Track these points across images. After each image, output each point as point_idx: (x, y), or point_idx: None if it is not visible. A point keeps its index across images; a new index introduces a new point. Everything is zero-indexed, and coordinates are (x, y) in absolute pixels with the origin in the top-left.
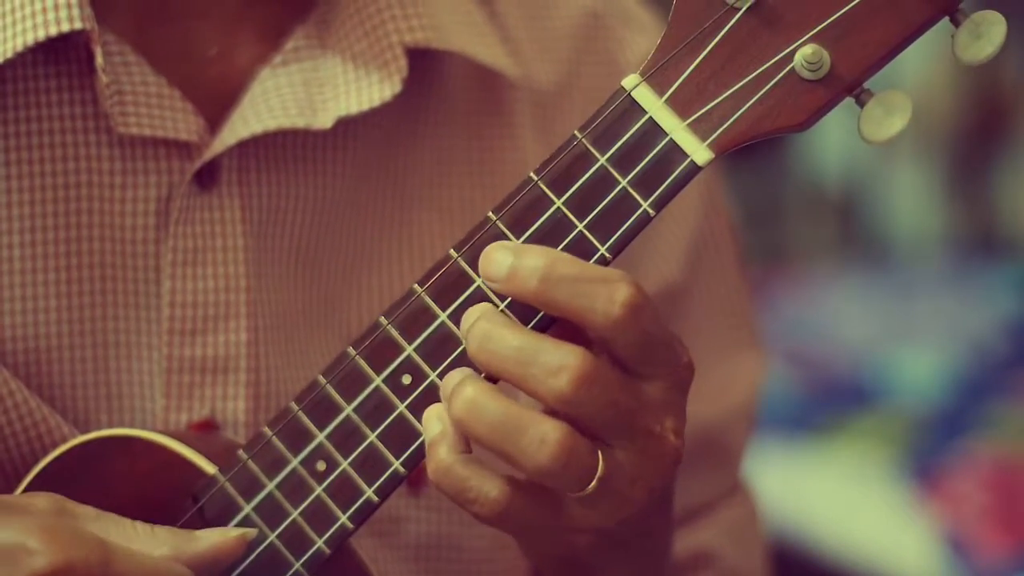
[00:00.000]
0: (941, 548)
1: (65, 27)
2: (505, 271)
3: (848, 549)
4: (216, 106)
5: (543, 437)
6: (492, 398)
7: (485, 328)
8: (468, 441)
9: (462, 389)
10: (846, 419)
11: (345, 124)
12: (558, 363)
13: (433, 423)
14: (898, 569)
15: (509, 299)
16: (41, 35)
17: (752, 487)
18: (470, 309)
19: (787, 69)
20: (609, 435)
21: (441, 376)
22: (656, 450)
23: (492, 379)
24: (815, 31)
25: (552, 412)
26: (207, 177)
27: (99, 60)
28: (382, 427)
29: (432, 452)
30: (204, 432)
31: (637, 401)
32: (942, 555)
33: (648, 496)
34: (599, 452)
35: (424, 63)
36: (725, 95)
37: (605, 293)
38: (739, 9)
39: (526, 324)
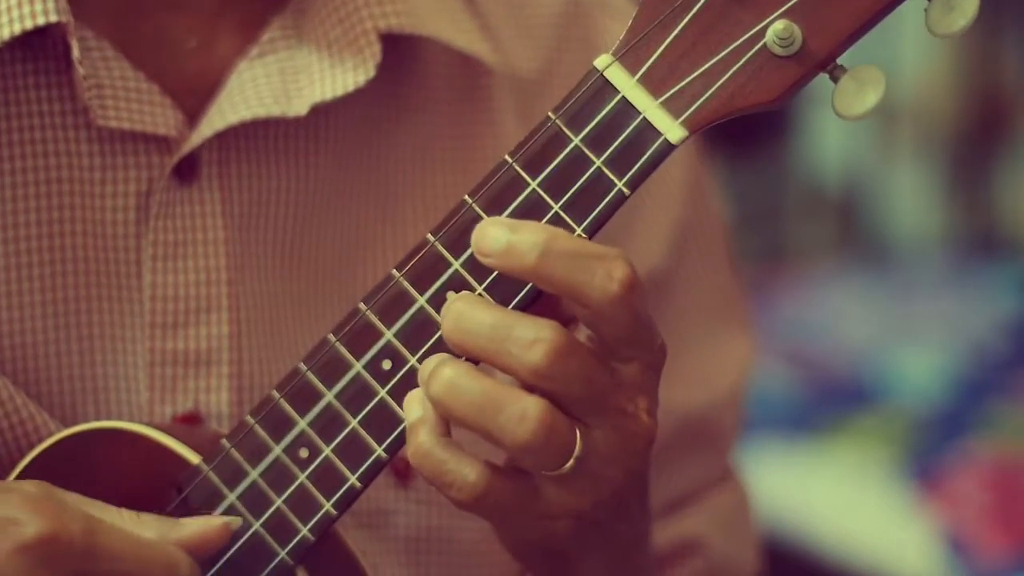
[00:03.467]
0: (941, 548)
1: (41, 20)
2: (502, 246)
3: (848, 549)
4: (195, 100)
5: (523, 413)
6: (471, 377)
7: (459, 308)
8: (448, 426)
9: (440, 370)
10: (846, 419)
11: (324, 113)
12: (533, 336)
13: (414, 407)
14: (898, 569)
15: (487, 282)
16: (17, 29)
17: (743, 475)
18: (449, 295)
19: (759, 45)
20: (583, 412)
21: (421, 360)
22: (630, 429)
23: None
24: (786, 7)
25: (529, 389)
26: (187, 171)
27: (76, 53)
28: (363, 413)
29: (411, 435)
30: (189, 424)
31: (611, 379)
32: (942, 555)
33: (624, 477)
34: (577, 431)
35: (401, 50)
36: (697, 73)
37: (603, 269)
38: None
39: (505, 306)
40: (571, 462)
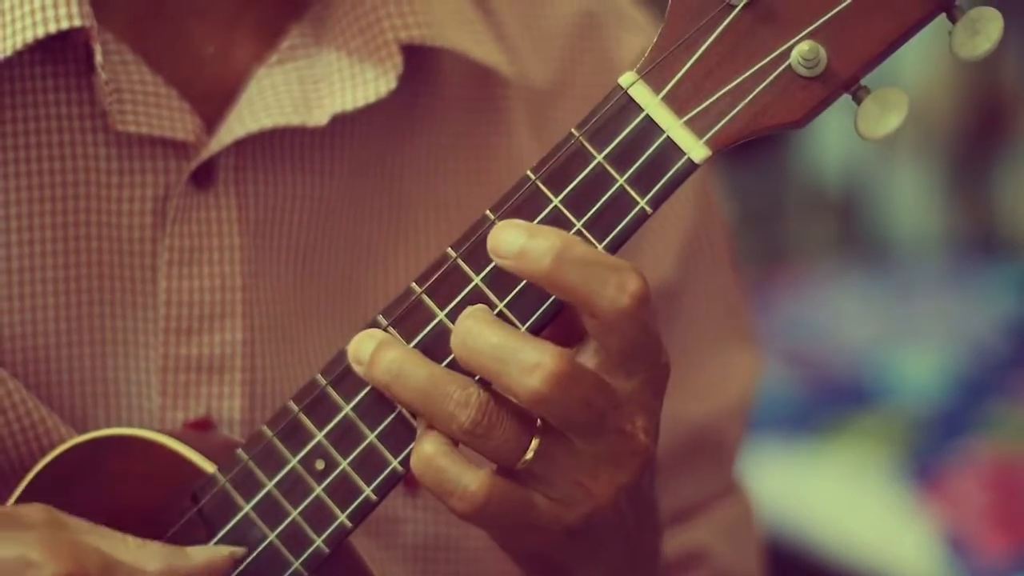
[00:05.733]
0: (941, 548)
1: (64, 24)
2: (516, 249)
3: (848, 549)
4: (213, 106)
5: (465, 399)
6: (418, 362)
7: (468, 325)
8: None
9: (383, 353)
10: (846, 419)
11: (341, 122)
12: (534, 361)
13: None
14: (898, 569)
15: (507, 299)
16: (40, 33)
17: (747, 487)
18: (465, 310)
19: (784, 66)
20: (581, 435)
21: None
22: (624, 448)
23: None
24: (812, 28)
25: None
26: (204, 177)
27: (98, 58)
28: (381, 426)
29: (418, 444)
30: (201, 431)
31: (611, 402)
32: (942, 555)
33: (614, 493)
34: (537, 424)
35: (419, 60)
36: (722, 92)
37: (616, 280)
38: (735, 6)
39: (524, 323)
40: (530, 455)
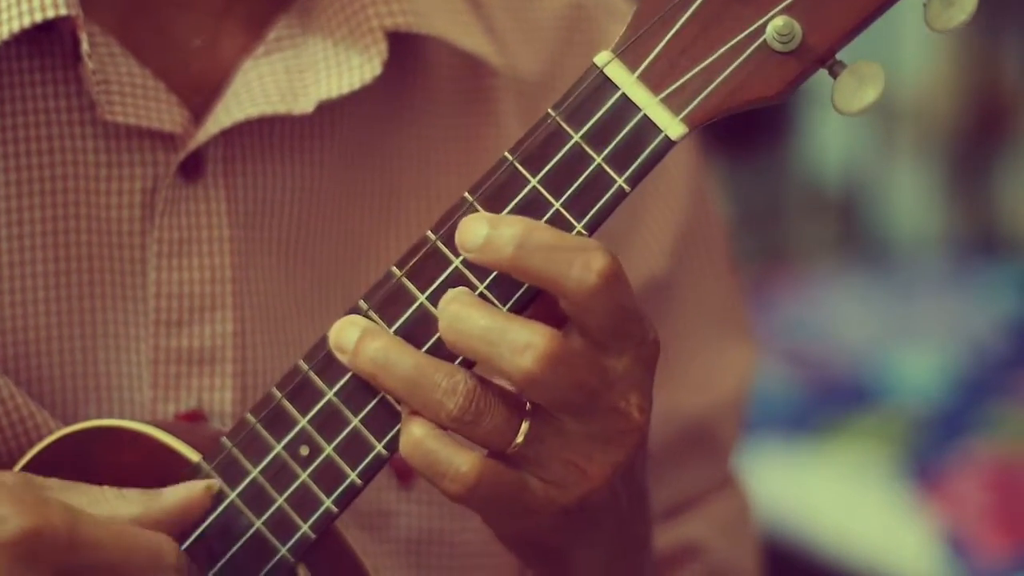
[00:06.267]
0: (941, 548)
1: (51, 13)
2: (480, 240)
3: (848, 549)
4: (201, 98)
5: (453, 387)
6: (403, 351)
7: (455, 309)
8: None
9: (368, 344)
10: (846, 419)
11: (329, 112)
12: (524, 341)
13: None
14: (898, 569)
15: (487, 281)
16: (27, 22)
17: (744, 481)
18: (446, 293)
19: (759, 41)
20: (576, 414)
21: None
22: (619, 426)
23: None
24: (786, 3)
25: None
26: (192, 168)
27: (84, 46)
28: (365, 411)
29: (406, 428)
30: (191, 422)
31: (603, 381)
32: (942, 555)
33: (611, 472)
34: (526, 407)
35: (406, 49)
36: (697, 69)
37: (581, 260)
38: None
39: (504, 304)
40: (520, 438)
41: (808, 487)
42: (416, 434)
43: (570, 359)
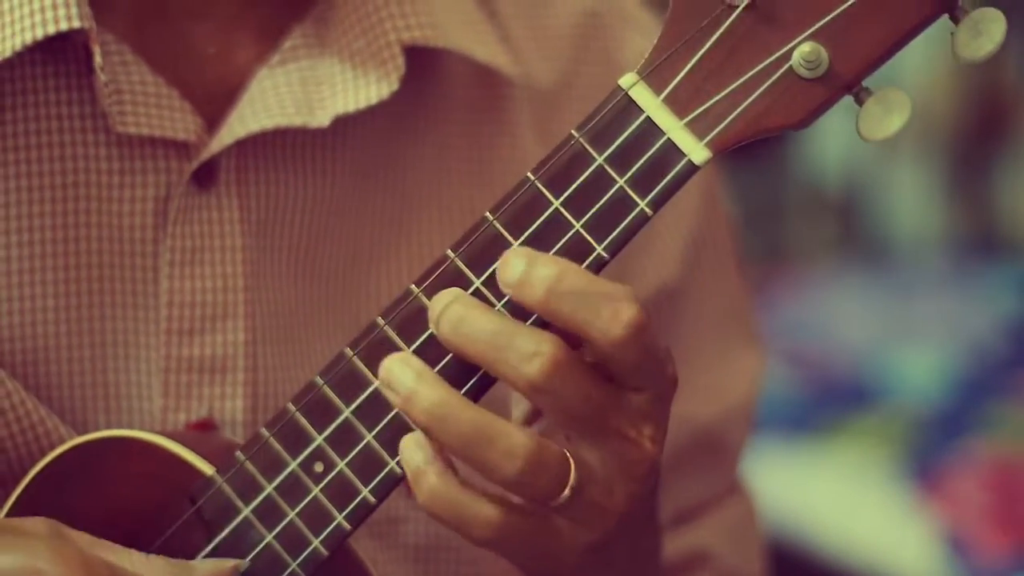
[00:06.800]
0: (941, 548)
1: (64, 26)
2: (517, 277)
3: (848, 549)
4: (214, 106)
5: (511, 449)
6: (461, 406)
7: (459, 311)
8: (453, 462)
9: (426, 398)
10: (846, 419)
11: (343, 123)
12: (533, 349)
13: (414, 452)
14: (898, 569)
15: (506, 299)
16: (40, 34)
17: (750, 488)
18: (440, 292)
19: (785, 67)
20: (579, 430)
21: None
22: (630, 456)
23: (460, 364)
24: (813, 29)
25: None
26: (205, 177)
27: (97, 59)
28: (379, 428)
29: (421, 480)
30: (202, 432)
31: (612, 399)
32: (942, 555)
33: (627, 503)
34: (571, 462)
35: (422, 61)
36: (723, 94)
37: (609, 311)
38: (737, 7)
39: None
40: (567, 492)
41: (808, 487)
42: (436, 486)
43: (577, 370)
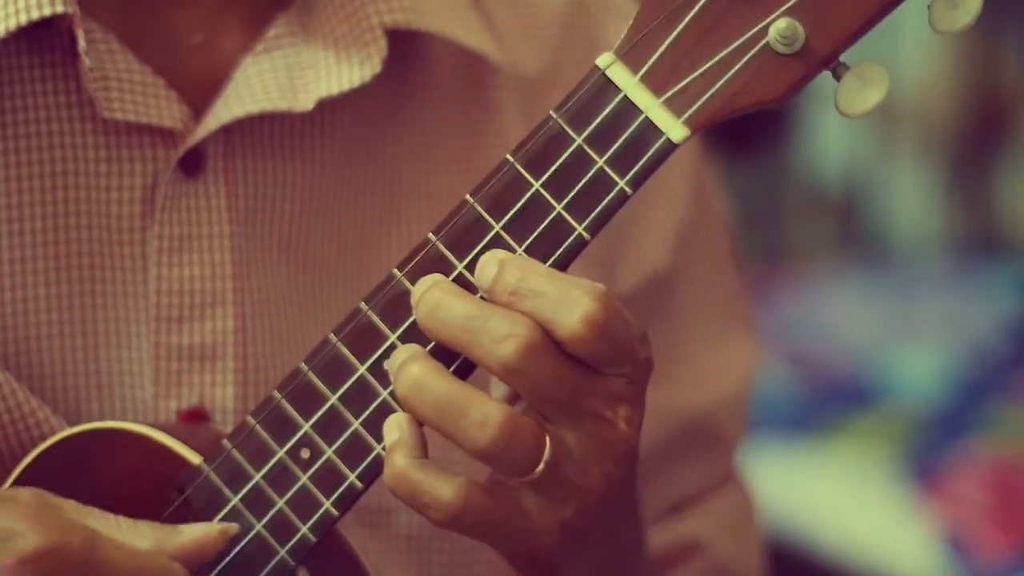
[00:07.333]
0: (941, 548)
1: (47, 11)
2: (489, 282)
3: (848, 549)
4: (200, 95)
5: (484, 419)
6: (436, 377)
7: (435, 296)
8: (425, 447)
9: (407, 367)
10: (846, 419)
11: (330, 109)
12: (506, 331)
13: (392, 431)
14: (898, 569)
15: None
16: (24, 20)
17: (747, 479)
18: (421, 279)
19: (761, 43)
20: (555, 411)
21: None
22: (606, 436)
23: (444, 349)
24: (789, 4)
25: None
26: (192, 164)
27: (81, 43)
28: (365, 414)
29: (388, 458)
30: (192, 423)
31: (586, 381)
32: (942, 555)
33: (604, 484)
34: (546, 436)
35: (407, 46)
36: (700, 71)
37: (566, 308)
38: None
39: None
40: (541, 466)
41: (808, 487)
42: (399, 465)
43: (550, 352)
